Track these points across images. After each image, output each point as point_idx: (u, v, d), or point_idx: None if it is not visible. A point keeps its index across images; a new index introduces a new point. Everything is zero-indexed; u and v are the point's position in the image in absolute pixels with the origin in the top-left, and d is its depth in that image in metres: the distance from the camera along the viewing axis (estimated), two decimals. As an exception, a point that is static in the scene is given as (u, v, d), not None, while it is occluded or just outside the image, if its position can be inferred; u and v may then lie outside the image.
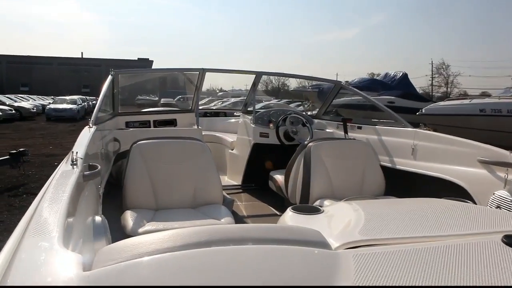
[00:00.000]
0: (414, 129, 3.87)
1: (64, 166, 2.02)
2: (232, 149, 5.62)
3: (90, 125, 3.15)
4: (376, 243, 1.19)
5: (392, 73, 26.07)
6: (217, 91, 62.03)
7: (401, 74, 24.94)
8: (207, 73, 5.09)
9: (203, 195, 3.12)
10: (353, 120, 4.77)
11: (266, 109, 5.65)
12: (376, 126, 4.35)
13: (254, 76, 5.36)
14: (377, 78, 27.64)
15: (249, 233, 1.11)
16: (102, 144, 3.32)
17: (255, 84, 5.40)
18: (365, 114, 13.70)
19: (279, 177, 4.25)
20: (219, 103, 31.71)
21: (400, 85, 23.37)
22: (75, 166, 1.94)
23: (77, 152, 2.09)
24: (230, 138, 5.85)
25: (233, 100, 33.27)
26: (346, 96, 18.46)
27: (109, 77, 4.36)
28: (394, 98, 18.66)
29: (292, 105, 31.13)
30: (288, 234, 1.16)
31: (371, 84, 23.89)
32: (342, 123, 4.83)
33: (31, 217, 1.29)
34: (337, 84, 5.38)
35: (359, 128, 4.64)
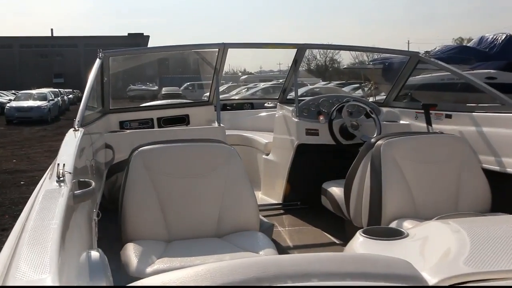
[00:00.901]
0: None
1: (47, 184, 2.10)
2: (267, 154, 5.69)
3: (76, 127, 3.24)
4: (490, 277, 1.19)
5: (491, 36, 25.42)
6: (239, 74, 62.49)
7: (504, 37, 24.34)
8: (229, 49, 5.15)
9: (233, 219, 3.17)
10: (438, 106, 4.74)
11: (312, 96, 5.68)
12: (474, 113, 4.29)
13: (294, 51, 5.39)
14: (469, 44, 27.13)
15: (314, 266, 1.13)
16: (92, 153, 3.42)
17: (297, 61, 5.45)
18: (455, 96, 13.51)
19: (336, 191, 4.28)
20: (243, 91, 32.09)
21: (503, 52, 22.82)
22: (62, 184, 2.01)
23: (63, 165, 2.16)
24: (263, 138, 5.94)
25: (262, 85, 33.49)
26: (424, 73, 18.28)
27: (97, 62, 4.49)
28: (495, 71, 18.26)
29: (345, 89, 31.13)
30: (367, 265, 1.17)
31: (461, 54, 23.41)
32: (422, 111, 4.81)
33: (10, 259, 1.30)
34: (413, 56, 5.36)
35: (448, 117, 4.60)
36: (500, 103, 4.19)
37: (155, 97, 32.05)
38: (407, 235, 1.77)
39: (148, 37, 73.84)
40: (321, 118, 5.09)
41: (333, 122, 4.99)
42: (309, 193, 4.97)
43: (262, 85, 32.77)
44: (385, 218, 3.42)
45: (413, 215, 3.42)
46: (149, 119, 5.41)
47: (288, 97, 5.81)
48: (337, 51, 43.25)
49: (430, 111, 4.72)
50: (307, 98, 5.42)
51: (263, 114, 6.97)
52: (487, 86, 4.40)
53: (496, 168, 3.91)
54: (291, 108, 5.32)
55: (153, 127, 5.37)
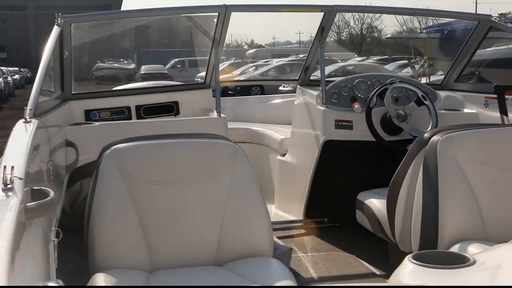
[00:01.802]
0: None
1: None
2: (283, 155, 5.72)
3: (27, 117, 3.26)
4: None
5: None
6: (245, 47, 62.11)
7: None
8: (232, 13, 5.16)
9: (238, 242, 3.19)
10: None
11: (344, 76, 5.68)
12: None
13: (320, 15, 5.40)
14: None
15: None
16: (48, 152, 3.45)
17: (323, 29, 5.46)
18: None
19: (377, 204, 4.29)
20: (251, 70, 32.05)
21: None
22: (10, 193, 2.03)
23: (11, 168, 2.18)
24: (277, 133, 5.94)
25: (276, 62, 33.38)
26: (499, 45, 18.15)
27: (54, 30, 4.50)
28: None
29: (388, 67, 31.04)
30: None
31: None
32: (495, 95, 4.81)
33: None
34: (482, 21, 5.35)
35: None
36: None
37: (132, 78, 32.20)
38: (474, 262, 1.78)
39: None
40: (356, 105, 5.11)
41: (373, 111, 5.00)
42: (339, 207, 4.98)
43: (276, 61, 32.75)
44: (443, 240, 3.43)
45: (482, 237, 3.41)
46: (124, 108, 5.43)
47: (312, 77, 5.83)
48: (377, 15, 42.94)
49: (506, 96, 4.72)
50: (338, 79, 5.42)
51: (278, 101, 6.99)
52: None
53: None
54: (315, 93, 5.34)
55: (130, 119, 5.39)
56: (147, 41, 36.07)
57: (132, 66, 33.81)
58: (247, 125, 6.45)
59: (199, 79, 6.01)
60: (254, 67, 32.61)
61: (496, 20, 5.28)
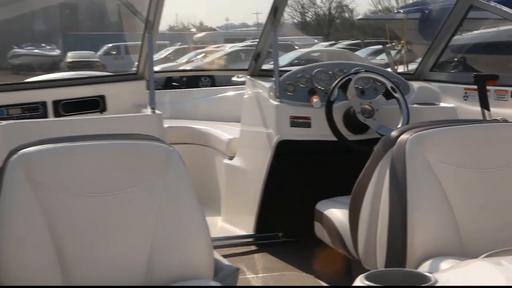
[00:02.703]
0: None
1: None
2: (231, 158, 5.74)
3: None
4: None
5: None
6: (193, 30, 61.67)
7: None
8: None
9: (171, 261, 3.18)
10: (500, 79, 4.80)
11: (304, 65, 5.69)
12: None
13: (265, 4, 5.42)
14: None
15: None
16: None
17: (277, 10, 5.48)
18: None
19: (338, 215, 4.32)
20: (199, 57, 31.93)
21: None
22: None
23: None
24: (225, 133, 5.97)
25: (229, 48, 33.30)
26: (484, 27, 18.38)
27: None
28: None
29: (361, 53, 31.21)
30: None
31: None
32: (475, 86, 4.87)
33: None
34: (462, 0, 5.41)
35: None
36: None
37: (56, 67, 31.84)
38: (435, 282, 1.80)
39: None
40: (315, 99, 5.12)
41: (334, 106, 5.01)
42: (296, 219, 4.99)
43: (229, 47, 32.76)
44: (413, 256, 3.44)
45: (457, 252, 3.44)
46: (39, 103, 5.37)
47: (264, 67, 5.84)
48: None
49: (488, 87, 4.78)
50: (294, 69, 5.44)
51: (228, 94, 7.01)
52: None
53: None
54: (267, 85, 5.36)
55: (46, 116, 5.34)
56: (75, 22, 35.59)
57: (57, 52, 33.40)
58: (190, 123, 6.45)
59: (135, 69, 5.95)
60: (203, 54, 32.58)
61: None
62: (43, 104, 5.35)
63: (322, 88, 5.24)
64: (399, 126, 4.81)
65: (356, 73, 5.13)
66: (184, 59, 31.97)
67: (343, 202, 4.25)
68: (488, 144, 3.70)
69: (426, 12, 22.14)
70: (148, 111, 5.00)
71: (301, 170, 5.19)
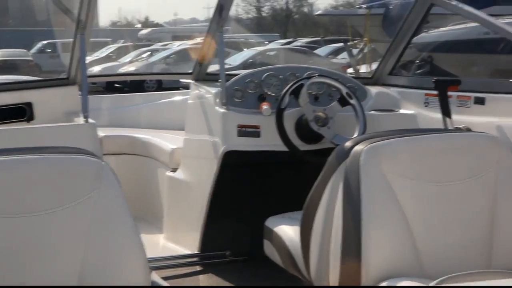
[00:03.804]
0: None
1: None
2: (174, 170, 5.74)
3: None
4: None
5: None
6: (139, 25, 61.22)
7: None
8: None
9: (103, 285, 3.16)
10: (463, 85, 4.84)
11: (254, 68, 5.68)
12: None
13: None
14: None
15: None
16: None
17: (222, 9, 5.46)
18: (498, 64, 13.76)
19: (288, 232, 4.32)
20: (145, 56, 31.79)
21: None
22: None
23: None
24: (167, 143, 5.96)
25: (177, 46, 33.18)
26: (453, 24, 18.57)
27: None
28: None
29: (320, 51, 31.36)
30: None
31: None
32: (436, 92, 4.91)
33: None
34: None
35: (480, 101, 4.73)
36: None
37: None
38: None
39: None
40: (264, 106, 5.10)
41: (285, 114, 5.01)
42: (244, 236, 5.02)
43: (177, 45, 32.68)
44: (368, 277, 3.44)
45: (416, 272, 3.45)
46: None
47: (210, 70, 5.84)
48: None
49: (450, 93, 4.83)
50: (242, 73, 5.45)
51: (176, 98, 6.97)
52: None
53: None
54: (213, 90, 5.34)
55: None
56: (4, 17, 35.30)
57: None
58: (130, 131, 6.42)
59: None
60: (149, 53, 32.48)
61: None
62: None
63: (273, 94, 5.24)
64: (355, 135, 4.84)
65: (308, 77, 5.13)
66: (127, 58, 31.86)
67: (294, 218, 4.24)
68: (448, 155, 3.72)
69: (390, 7, 22.35)
70: (80, 120, 4.97)
71: (250, 183, 5.19)
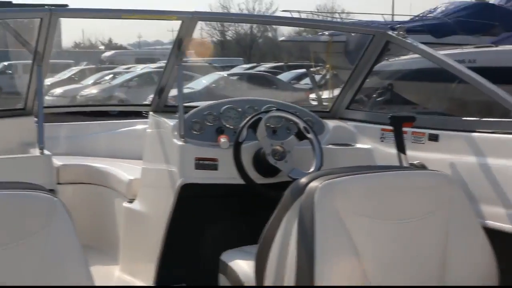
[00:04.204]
0: None
1: None
2: (131, 201, 5.73)
3: None
4: None
5: None
6: (102, 47, 61.13)
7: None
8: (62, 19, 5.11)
9: None
10: (417, 121, 4.91)
11: (213, 101, 5.68)
12: (474, 134, 4.51)
13: (178, 23, 5.41)
14: (492, 1, 28.08)
15: None
16: None
17: (181, 42, 5.51)
18: (453, 93, 13.92)
19: (244, 267, 4.33)
20: (107, 78, 31.70)
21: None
22: None
23: None
24: (126, 173, 5.96)
25: (141, 69, 33.11)
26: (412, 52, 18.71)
27: None
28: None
29: (283, 77, 31.44)
30: None
31: (479, 17, 24.21)
32: (391, 127, 4.97)
33: None
34: (377, 34, 5.55)
35: (434, 138, 4.81)
36: None
37: None
38: None
39: None
40: (222, 139, 5.12)
41: (243, 147, 5.04)
42: (200, 270, 5.01)
43: (140, 68, 32.65)
44: None
45: None
46: None
47: (171, 101, 5.85)
48: (270, 10, 43.07)
49: (404, 129, 4.88)
50: (201, 105, 5.46)
51: (138, 127, 6.91)
52: (494, 87, 4.58)
53: (507, 227, 4.12)
54: (171, 123, 5.34)
55: None
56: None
57: None
58: (88, 160, 6.40)
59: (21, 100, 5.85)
60: (111, 76, 32.43)
61: (394, 34, 5.41)
62: None
63: (231, 127, 5.26)
64: (312, 169, 4.87)
65: (266, 111, 5.18)
66: (90, 80, 31.78)
67: (250, 252, 4.21)
68: (403, 193, 3.73)
69: (352, 35, 22.48)
70: (36, 151, 4.96)
71: (207, 215, 5.19)
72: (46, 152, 4.89)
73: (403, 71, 16.46)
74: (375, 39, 5.52)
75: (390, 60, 15.09)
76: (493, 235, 3.85)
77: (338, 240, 3.54)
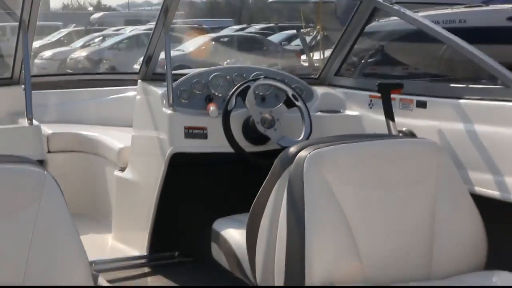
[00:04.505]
0: None
1: None
2: (123, 169, 5.76)
3: None
4: None
5: None
6: (91, 9, 60.56)
7: None
8: None
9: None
10: (404, 88, 4.95)
11: (200, 68, 5.68)
12: (461, 100, 4.54)
13: None
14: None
15: None
16: None
17: (167, 10, 5.41)
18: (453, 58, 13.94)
19: (235, 235, 4.36)
20: (97, 40, 31.49)
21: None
22: None
23: None
24: (116, 141, 5.98)
25: (130, 31, 32.86)
26: (414, 7, 18.71)
27: None
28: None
29: (274, 38, 31.33)
30: None
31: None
32: (379, 95, 4.99)
33: None
34: (365, 1, 5.54)
35: (422, 105, 4.84)
36: (502, 85, 4.42)
37: None
38: None
39: None
40: (211, 108, 5.15)
41: (232, 115, 5.05)
42: (192, 238, 5.04)
43: (129, 30, 32.44)
44: (311, 280, 3.47)
45: (359, 278, 3.50)
46: None
47: (158, 70, 5.84)
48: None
49: (393, 95, 4.91)
50: (190, 72, 5.48)
51: (128, 94, 6.91)
52: (481, 54, 4.60)
53: (494, 193, 4.16)
54: (160, 91, 5.36)
55: None
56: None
57: None
58: (78, 128, 6.42)
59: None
60: (101, 38, 32.23)
61: (381, 0, 5.41)
62: None
63: (220, 95, 5.28)
64: (301, 137, 4.92)
65: (255, 79, 5.19)
66: (79, 43, 31.56)
67: (241, 220, 4.26)
68: (390, 161, 3.78)
69: (340, -2, 22.52)
70: (25, 121, 4.96)
71: (198, 183, 5.21)
72: (35, 122, 4.89)
73: (394, 32, 16.42)
74: (362, 5, 5.53)
75: (380, 20, 15.05)
76: (481, 201, 3.91)
77: (326, 209, 3.58)
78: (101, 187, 5.96)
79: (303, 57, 24.81)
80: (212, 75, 5.42)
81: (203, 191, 5.16)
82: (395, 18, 15.14)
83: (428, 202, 3.74)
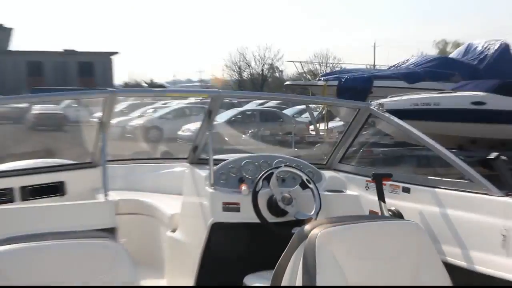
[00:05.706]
0: (506, 198, 4.16)
1: None
2: (174, 231, 5.85)
3: None
4: None
5: (481, 45, 26.15)
6: (145, 85, 61.26)
7: (498, 46, 25.10)
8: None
9: None
10: (394, 177, 5.11)
11: (233, 156, 5.82)
12: (436, 189, 4.69)
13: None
14: (452, 55, 27.98)
15: None
16: None
17: (211, 113, 5.68)
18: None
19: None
20: (150, 111, 31.76)
21: (496, 67, 23.65)
22: None
23: None
24: (168, 207, 6.07)
25: (176, 104, 33.15)
26: (390, 96, 19.02)
27: None
28: (484, 94, 18.91)
29: (288, 112, 31.55)
30: None
31: (441, 67, 24.28)
32: (373, 181, 5.13)
33: None
34: (362, 109, 5.73)
35: (406, 190, 4.99)
36: (468, 180, 4.54)
37: (24, 118, 31.46)
38: None
39: (10, 29, 71.16)
40: (243, 187, 5.27)
41: (259, 194, 5.19)
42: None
43: (175, 103, 32.71)
44: None
45: None
46: (7, 189, 5.51)
47: (203, 155, 5.98)
48: (278, 56, 42.68)
49: (384, 183, 5.07)
50: (226, 159, 5.62)
51: (176, 169, 6.93)
52: (453, 156, 4.72)
53: (462, 263, 4.25)
54: (204, 174, 5.50)
55: (13, 201, 5.45)
56: (40, 79, 35.27)
57: (25, 105, 32.60)
58: (139, 195, 6.52)
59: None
60: (153, 109, 32.53)
61: (375, 109, 5.58)
62: (10, 190, 5.50)
63: (250, 177, 5.41)
64: (313, 212, 5.07)
65: (277, 167, 5.38)
66: (137, 113, 31.87)
67: (267, 278, 4.24)
68: (384, 238, 3.86)
69: (343, 80, 22.83)
70: (102, 197, 5.12)
71: (232, 246, 5.27)
72: (109, 198, 5.04)
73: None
74: (360, 112, 5.70)
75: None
76: (451, 269, 3.97)
77: (333, 275, 3.64)
78: (156, 243, 6.05)
79: (311, 127, 25.13)
80: (244, 161, 5.56)
81: (236, 251, 5.23)
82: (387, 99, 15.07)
83: (411, 270, 3.79)
